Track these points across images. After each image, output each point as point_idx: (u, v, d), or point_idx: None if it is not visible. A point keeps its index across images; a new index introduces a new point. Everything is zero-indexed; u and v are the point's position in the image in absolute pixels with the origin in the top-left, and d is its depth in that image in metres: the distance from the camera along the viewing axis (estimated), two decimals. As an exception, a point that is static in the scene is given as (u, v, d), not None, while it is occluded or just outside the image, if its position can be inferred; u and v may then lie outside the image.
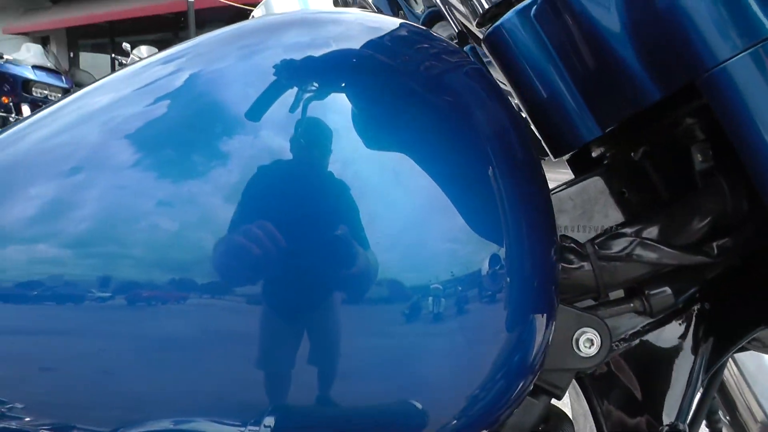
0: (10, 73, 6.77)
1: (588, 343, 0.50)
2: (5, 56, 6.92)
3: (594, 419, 0.58)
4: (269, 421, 0.38)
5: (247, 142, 0.38)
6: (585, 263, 0.50)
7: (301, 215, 0.37)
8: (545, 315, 0.44)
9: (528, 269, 0.42)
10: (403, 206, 0.38)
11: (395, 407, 0.39)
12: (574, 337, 0.50)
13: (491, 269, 0.39)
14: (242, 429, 0.38)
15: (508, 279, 0.40)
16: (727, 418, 0.77)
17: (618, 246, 0.50)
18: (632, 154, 0.56)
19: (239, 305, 0.37)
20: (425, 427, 0.40)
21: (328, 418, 0.39)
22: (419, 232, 0.38)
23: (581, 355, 0.50)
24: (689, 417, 0.55)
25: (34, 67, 6.98)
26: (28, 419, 0.41)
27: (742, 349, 0.71)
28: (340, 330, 0.38)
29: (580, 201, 0.57)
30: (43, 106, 0.49)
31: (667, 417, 0.56)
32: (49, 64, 7.26)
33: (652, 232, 0.51)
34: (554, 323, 0.46)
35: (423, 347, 0.38)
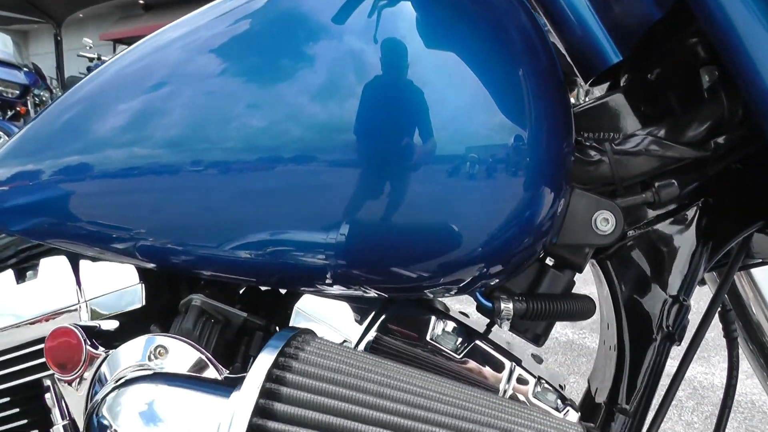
0: (105, 72, 7.33)
1: (604, 222, 0.62)
2: (102, 57, 7.53)
3: (612, 297, 0.69)
4: (348, 233, 0.52)
5: (332, 45, 0.52)
6: (604, 158, 0.62)
7: (377, 102, 0.51)
8: (553, 191, 0.56)
9: (543, 153, 0.54)
10: (453, 96, 0.51)
11: (441, 232, 0.53)
12: (593, 217, 0.62)
13: (515, 148, 0.52)
14: (326, 236, 0.52)
15: (528, 158, 0.53)
16: (745, 334, 0.86)
17: (632, 143, 0.61)
18: (649, 75, 0.67)
19: (329, 166, 0.51)
20: (461, 246, 0.53)
21: (392, 232, 0.52)
22: (464, 118, 0.51)
23: (598, 232, 0.62)
24: (690, 295, 0.65)
25: (127, 67, 7.49)
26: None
27: (755, 265, 0.80)
28: (406, 179, 0.51)
29: (603, 113, 0.68)
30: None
31: (671, 292, 0.67)
32: (140, 65, 7.76)
33: (661, 132, 0.61)
34: (561, 201, 0.58)
35: (462, 195, 0.52)
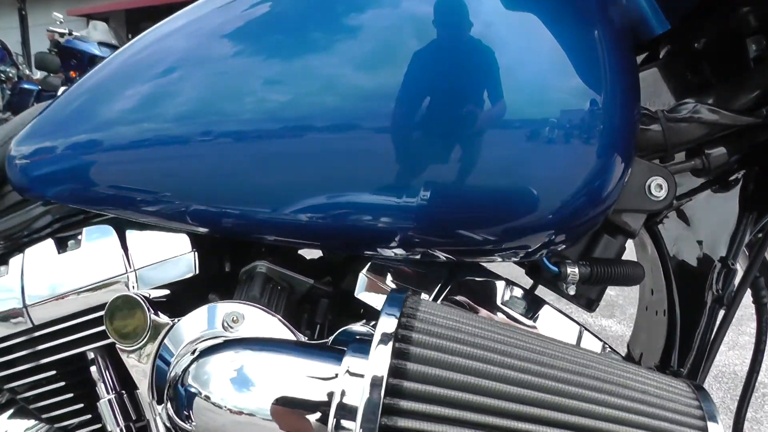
0: (77, 48, 7.07)
1: (658, 188, 0.62)
2: (74, 33, 7.28)
3: (662, 263, 0.70)
4: (421, 195, 0.52)
5: (411, 4, 0.51)
6: (656, 125, 0.62)
7: (453, 64, 0.50)
8: (623, 160, 0.56)
9: (617, 120, 0.54)
10: (529, 59, 0.51)
11: (513, 196, 0.53)
12: (647, 183, 0.62)
13: (591, 114, 0.52)
14: (400, 199, 0.52)
15: (602, 126, 0.53)
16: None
17: (684, 110, 0.62)
18: (696, 44, 0.68)
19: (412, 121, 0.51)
20: (537, 210, 0.53)
21: (467, 195, 0.52)
22: (543, 81, 0.51)
23: (652, 198, 0.62)
24: (737, 259, 0.67)
25: (100, 44, 7.26)
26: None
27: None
28: (481, 142, 0.51)
29: (652, 81, 0.69)
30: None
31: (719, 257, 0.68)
32: (113, 42, 7.56)
33: (711, 99, 0.62)
34: (629, 171, 0.58)
35: (537, 160, 0.52)
